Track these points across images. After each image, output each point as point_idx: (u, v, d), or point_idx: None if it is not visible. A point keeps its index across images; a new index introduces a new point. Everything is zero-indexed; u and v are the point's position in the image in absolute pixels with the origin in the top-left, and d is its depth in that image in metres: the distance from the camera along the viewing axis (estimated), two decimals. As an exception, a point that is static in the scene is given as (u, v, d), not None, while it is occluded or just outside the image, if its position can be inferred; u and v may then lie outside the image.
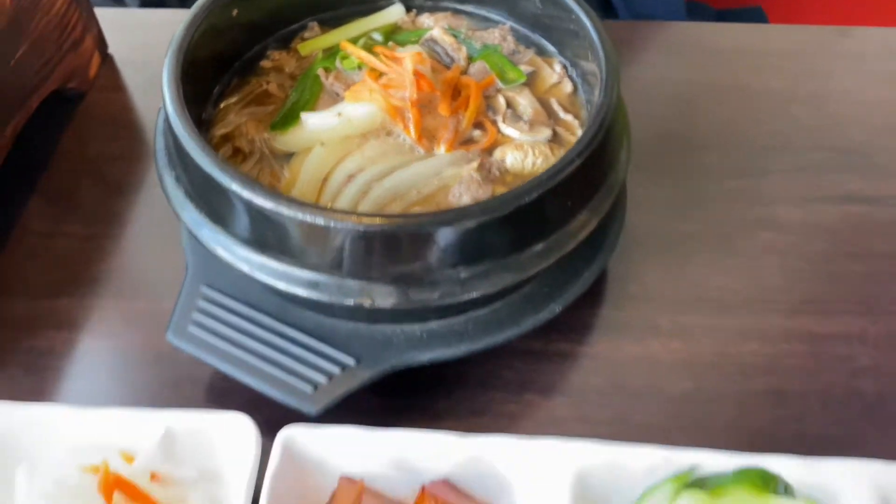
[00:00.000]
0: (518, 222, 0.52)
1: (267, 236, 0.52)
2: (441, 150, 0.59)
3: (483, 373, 0.62)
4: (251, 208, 0.51)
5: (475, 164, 0.59)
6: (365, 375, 0.56)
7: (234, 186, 0.51)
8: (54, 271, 0.69)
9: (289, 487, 0.51)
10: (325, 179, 0.58)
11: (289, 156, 0.61)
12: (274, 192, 0.51)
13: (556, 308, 0.60)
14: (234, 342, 0.57)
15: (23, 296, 0.67)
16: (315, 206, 0.51)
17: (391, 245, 0.51)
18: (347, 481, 0.51)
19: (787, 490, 0.50)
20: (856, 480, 0.50)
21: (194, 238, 0.59)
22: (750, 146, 0.78)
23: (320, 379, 0.55)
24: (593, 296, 0.66)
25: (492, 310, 0.59)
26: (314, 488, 0.52)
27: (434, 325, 0.58)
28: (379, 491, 0.52)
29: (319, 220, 0.50)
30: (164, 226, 0.70)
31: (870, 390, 0.61)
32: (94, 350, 0.64)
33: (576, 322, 0.65)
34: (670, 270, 0.68)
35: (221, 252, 0.54)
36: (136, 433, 0.52)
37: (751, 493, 0.49)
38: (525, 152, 0.60)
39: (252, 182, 0.51)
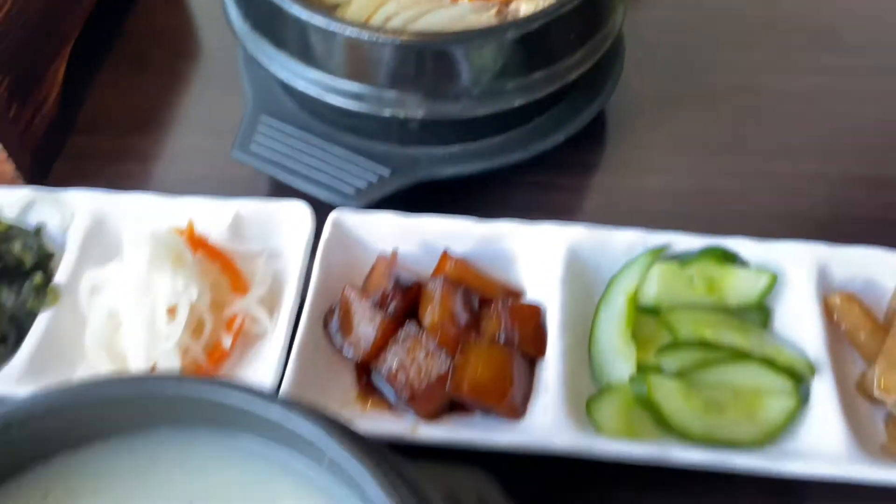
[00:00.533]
0: (526, 47, 0.63)
1: (320, 54, 0.63)
2: (465, 0, 0.70)
3: (497, 198, 0.73)
4: (308, 28, 0.62)
5: (493, 12, 0.69)
6: (397, 183, 0.67)
7: (294, 9, 0.62)
8: (131, 116, 0.81)
9: (336, 261, 0.62)
10: (366, 22, 0.69)
11: (334, 7, 0.72)
12: (328, 12, 0.62)
13: (559, 137, 0.71)
14: (290, 156, 0.69)
15: (106, 134, 0.79)
16: (361, 24, 0.62)
17: (421, 60, 0.62)
18: (384, 258, 0.62)
19: (743, 265, 0.61)
20: (800, 258, 0.60)
21: (255, 72, 0.71)
22: (738, 27, 0.88)
23: (360, 184, 0.67)
24: (593, 140, 0.78)
25: (505, 137, 0.70)
26: (356, 264, 0.63)
27: (455, 148, 0.69)
28: (408, 266, 0.63)
29: (364, 36, 0.61)
30: (223, 82, 0.82)
31: (824, 216, 0.72)
32: (167, 175, 0.76)
33: (578, 160, 0.76)
34: (662, 122, 0.79)
35: (282, 73, 0.66)
36: (211, 218, 0.64)
37: (713, 265, 0.60)
38: (537, 4, 0.70)
39: (309, 4, 0.62)
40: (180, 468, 0.45)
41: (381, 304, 0.58)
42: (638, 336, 0.59)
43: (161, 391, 0.42)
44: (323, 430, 0.40)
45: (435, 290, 0.58)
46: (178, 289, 0.55)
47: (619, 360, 0.57)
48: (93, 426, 0.44)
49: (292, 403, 0.41)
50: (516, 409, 0.55)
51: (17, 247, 0.61)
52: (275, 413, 0.41)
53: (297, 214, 0.63)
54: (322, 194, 0.67)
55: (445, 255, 0.61)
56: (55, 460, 0.45)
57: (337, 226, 0.63)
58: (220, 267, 0.60)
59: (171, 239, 0.58)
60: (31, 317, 0.59)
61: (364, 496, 0.39)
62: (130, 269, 0.56)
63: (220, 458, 0.45)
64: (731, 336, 0.57)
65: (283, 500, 0.43)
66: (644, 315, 0.60)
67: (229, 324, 0.59)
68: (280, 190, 0.69)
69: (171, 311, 0.56)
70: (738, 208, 0.72)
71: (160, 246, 0.57)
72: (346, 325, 0.59)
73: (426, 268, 0.63)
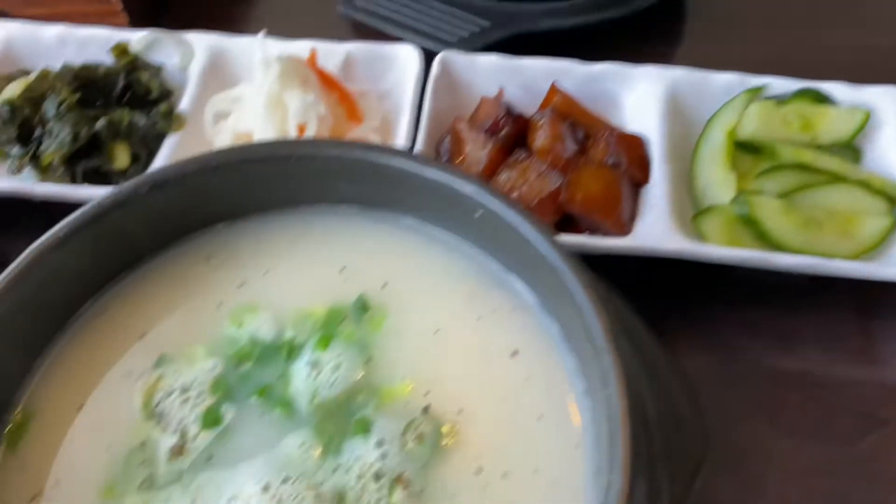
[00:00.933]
0: None
1: None
2: None
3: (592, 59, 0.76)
4: None
5: None
6: (497, 34, 0.70)
7: None
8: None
9: (443, 99, 0.65)
10: None
11: None
12: None
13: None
14: (393, 11, 0.72)
15: (206, 2, 0.83)
16: None
17: None
18: (488, 98, 0.65)
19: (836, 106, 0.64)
20: (892, 100, 0.63)
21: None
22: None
23: (462, 33, 0.70)
24: (679, 12, 0.80)
25: (600, -5, 0.73)
26: (461, 105, 0.66)
27: (552, 4, 0.72)
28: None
29: None
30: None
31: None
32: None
33: (671, 30, 0.79)
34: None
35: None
36: (323, 59, 0.67)
37: (808, 104, 0.63)
38: None
39: None
40: (333, 238, 0.48)
41: (493, 130, 0.61)
42: (735, 171, 0.62)
43: (327, 152, 0.45)
44: (478, 184, 0.43)
45: (544, 119, 0.61)
46: (308, 105, 0.59)
47: (719, 187, 0.60)
48: (249, 197, 0.48)
49: (448, 164, 0.45)
50: (624, 226, 0.58)
51: (144, 76, 0.65)
52: (432, 172, 0.44)
53: (405, 56, 0.66)
54: (426, 43, 0.69)
55: (554, 88, 0.64)
56: (216, 229, 0.48)
57: (444, 65, 0.66)
58: (338, 97, 0.63)
59: (298, 62, 0.61)
60: (159, 140, 0.63)
61: (517, 247, 0.43)
62: (262, 87, 0.59)
63: (371, 229, 0.48)
64: (828, 161, 0.59)
65: (432, 263, 0.47)
66: (740, 153, 0.62)
67: (346, 150, 0.62)
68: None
69: (301, 129, 0.59)
70: (827, 74, 0.75)
71: (289, 66, 0.60)
72: (457, 153, 0.62)
73: (529, 109, 0.66)
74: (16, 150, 0.63)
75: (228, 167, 0.45)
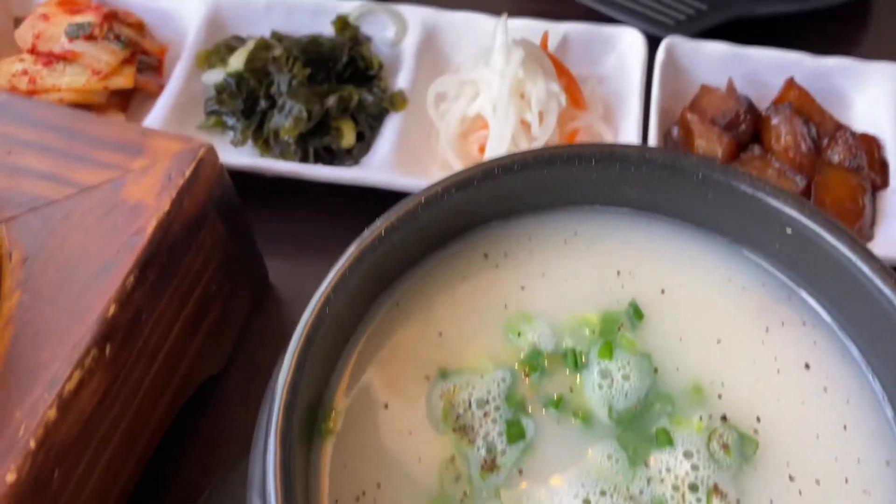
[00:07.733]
0: None
1: None
2: None
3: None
4: None
5: None
6: (714, 18, 0.68)
7: None
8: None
9: (666, 88, 0.64)
10: None
11: None
12: None
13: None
14: None
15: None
16: None
17: None
18: (708, 87, 0.64)
19: None
20: None
21: None
22: None
23: (680, 17, 0.68)
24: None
25: (813, -14, 0.70)
26: (681, 92, 0.65)
27: (768, -10, 0.69)
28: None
29: None
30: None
31: None
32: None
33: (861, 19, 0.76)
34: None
35: None
36: (535, 40, 0.65)
37: None
38: None
39: None
40: (607, 239, 0.47)
41: (732, 125, 0.60)
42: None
43: (619, 153, 0.44)
44: (795, 201, 0.42)
45: (780, 115, 0.60)
46: (552, 94, 0.58)
47: (961, 195, 0.59)
48: (527, 198, 0.47)
49: (759, 178, 0.44)
50: (864, 233, 0.57)
51: (366, 51, 0.64)
52: (745, 184, 0.43)
53: (628, 40, 0.65)
54: (643, 26, 0.67)
55: (791, 83, 0.62)
56: (490, 226, 0.48)
57: (669, 51, 0.64)
58: (566, 84, 0.62)
59: (536, 47, 0.60)
60: (378, 118, 0.62)
61: (823, 264, 0.42)
62: (505, 73, 0.58)
63: (646, 232, 0.47)
64: None
65: (713, 272, 0.46)
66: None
67: (571, 137, 0.61)
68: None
69: (540, 116, 0.58)
70: None
71: (531, 52, 0.59)
72: (688, 145, 0.61)
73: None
74: (233, 121, 0.63)
75: (541, 165, 0.44)
